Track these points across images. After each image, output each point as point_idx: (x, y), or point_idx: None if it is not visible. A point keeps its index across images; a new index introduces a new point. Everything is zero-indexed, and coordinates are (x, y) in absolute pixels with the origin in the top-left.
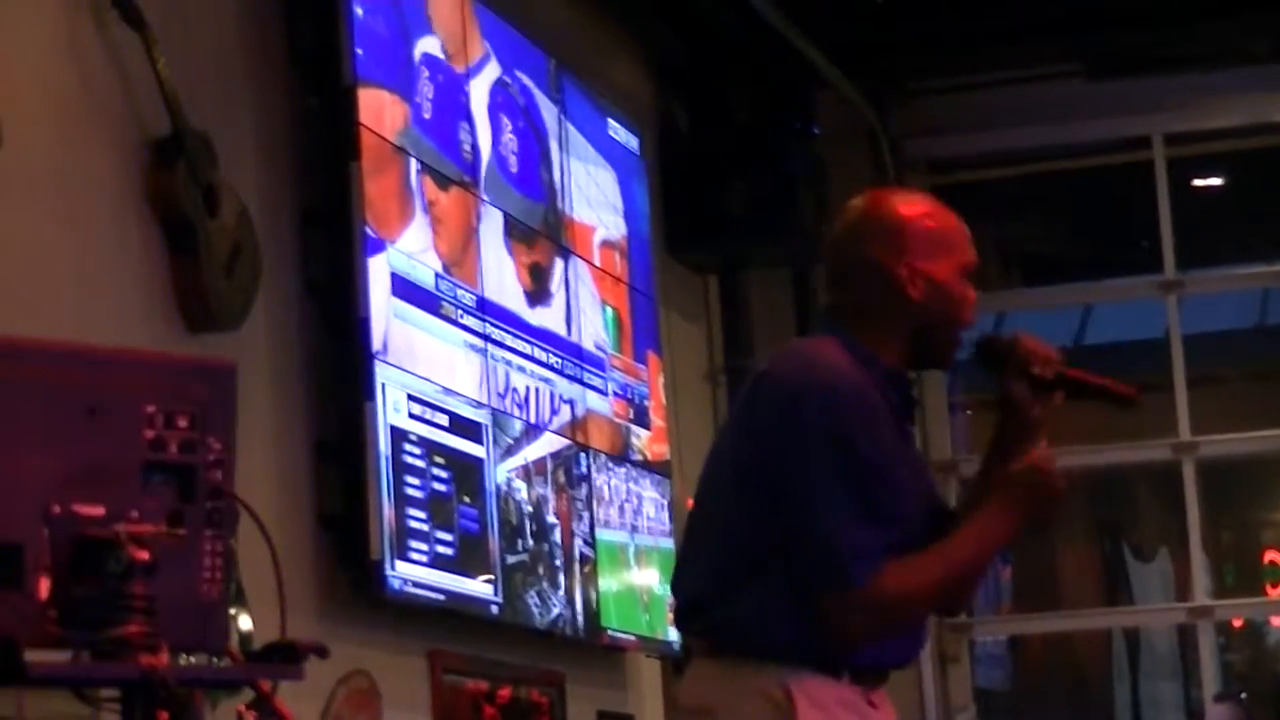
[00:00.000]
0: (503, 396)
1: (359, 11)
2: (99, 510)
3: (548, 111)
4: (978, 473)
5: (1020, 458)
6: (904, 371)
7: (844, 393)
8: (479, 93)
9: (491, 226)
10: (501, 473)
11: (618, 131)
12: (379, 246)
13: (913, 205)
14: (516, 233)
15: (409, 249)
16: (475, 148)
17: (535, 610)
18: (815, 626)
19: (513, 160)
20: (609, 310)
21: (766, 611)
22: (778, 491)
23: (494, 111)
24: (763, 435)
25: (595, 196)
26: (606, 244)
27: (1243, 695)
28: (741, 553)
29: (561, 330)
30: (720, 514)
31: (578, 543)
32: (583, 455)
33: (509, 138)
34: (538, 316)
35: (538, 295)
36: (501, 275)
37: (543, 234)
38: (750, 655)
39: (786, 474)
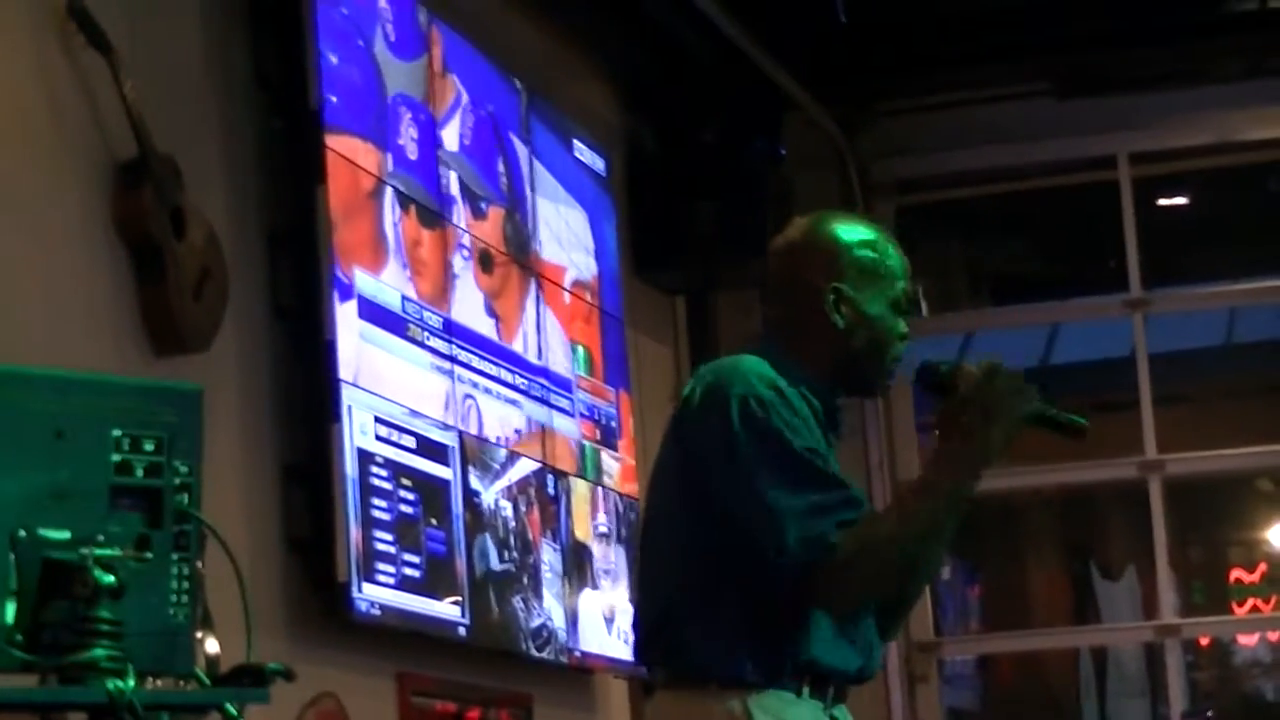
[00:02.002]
0: (468, 419)
1: (333, 60)
2: (65, 534)
3: (519, 151)
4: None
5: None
6: (827, 394)
7: (765, 393)
8: (453, 131)
9: (463, 257)
10: (472, 495)
11: (584, 153)
12: (347, 293)
13: (853, 232)
14: (486, 265)
15: (376, 264)
16: (446, 187)
17: (503, 632)
18: (774, 646)
19: (481, 180)
20: (580, 349)
21: (723, 637)
22: (726, 498)
23: (463, 134)
24: (701, 452)
25: (566, 237)
26: (578, 284)
27: (1210, 714)
28: (694, 579)
29: (531, 355)
30: (669, 541)
31: (545, 564)
32: (551, 476)
33: (468, 135)
34: (505, 340)
35: (507, 324)
36: (469, 301)
37: (514, 265)
38: (711, 681)
39: (726, 475)
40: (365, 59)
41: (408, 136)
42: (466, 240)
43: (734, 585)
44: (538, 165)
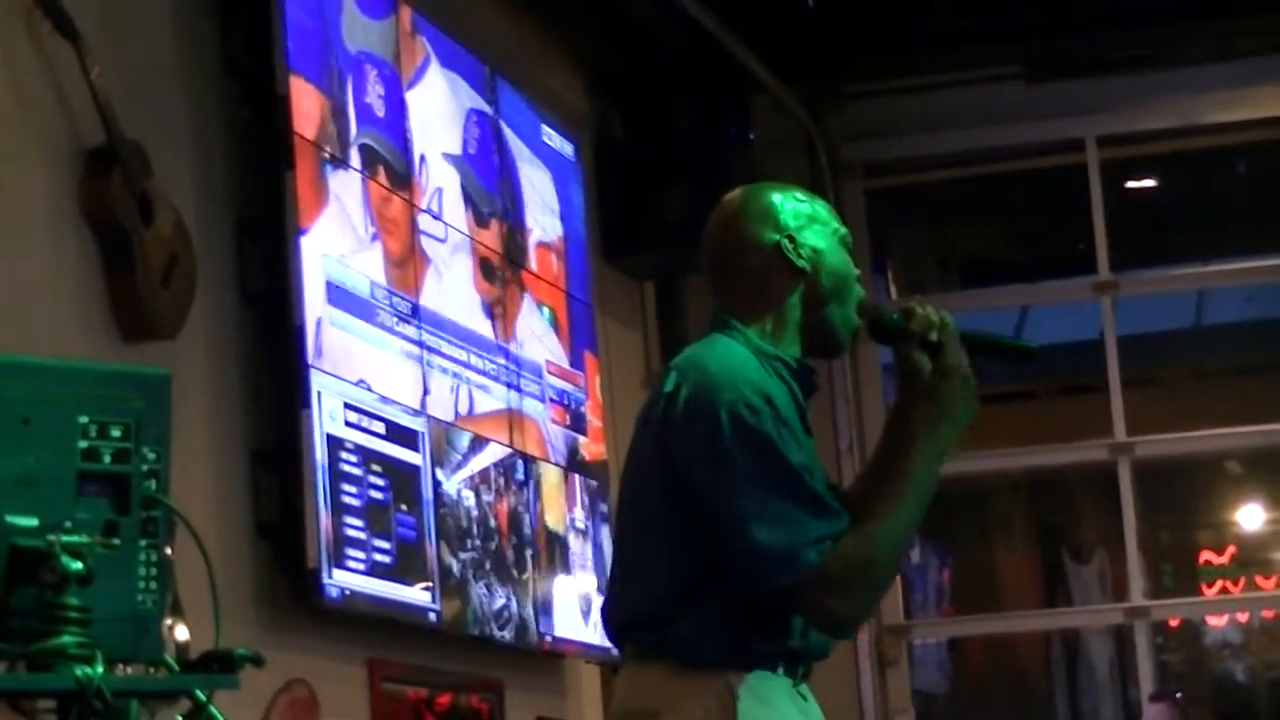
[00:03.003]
0: (437, 405)
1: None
2: (33, 521)
3: (486, 112)
4: (879, 443)
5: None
6: (804, 361)
7: (755, 400)
8: (423, 95)
9: (440, 237)
10: (442, 481)
11: (552, 138)
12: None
13: (779, 188)
14: (472, 246)
15: (344, 250)
16: (411, 150)
17: (474, 617)
18: (759, 635)
19: (469, 164)
20: (546, 310)
21: (709, 629)
22: (714, 512)
23: (442, 114)
24: (688, 460)
25: (532, 198)
26: (543, 245)
27: (1178, 694)
28: (679, 574)
29: (498, 336)
30: (653, 535)
31: (515, 550)
32: (521, 462)
33: (472, 144)
34: (476, 323)
35: (490, 302)
36: (447, 283)
37: (498, 250)
38: (694, 663)
39: (714, 483)
40: (331, 24)
41: (374, 94)
42: (450, 234)
43: (719, 580)
44: (504, 127)
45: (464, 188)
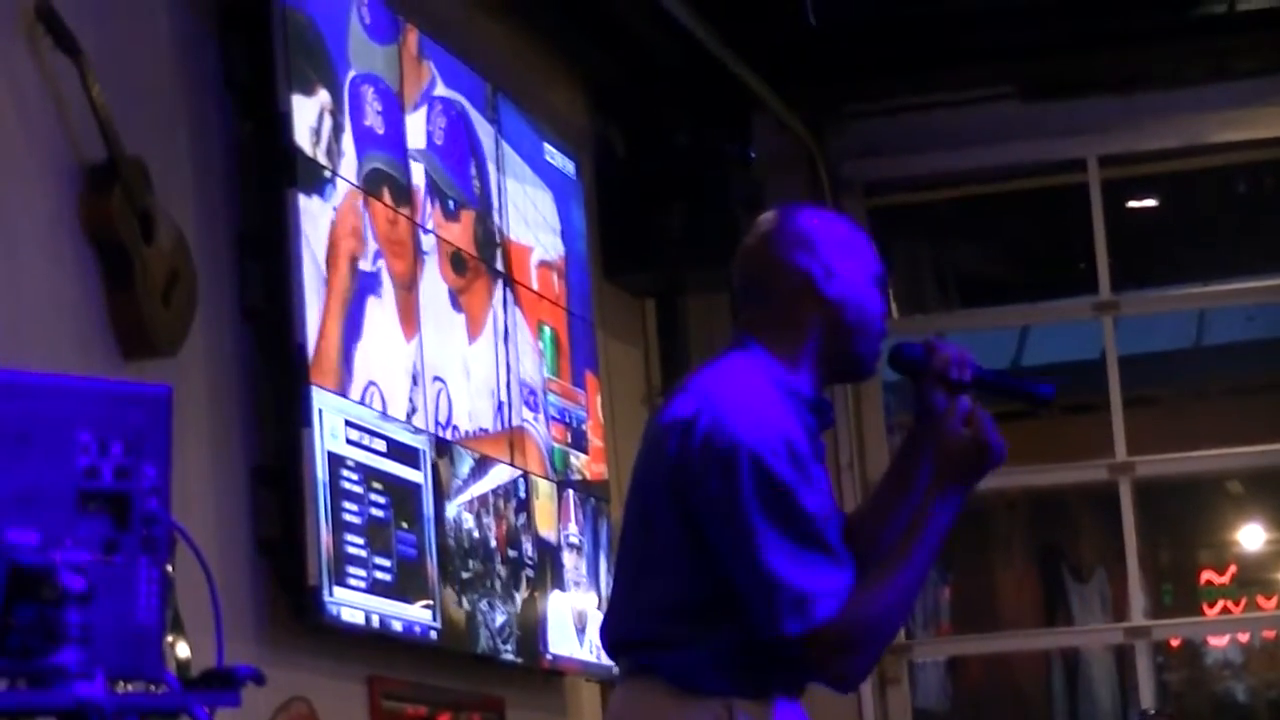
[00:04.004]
0: (443, 425)
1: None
2: (33, 538)
3: (484, 131)
4: (886, 473)
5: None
6: (822, 395)
7: (775, 435)
8: (419, 116)
9: (430, 250)
10: (443, 499)
11: (554, 156)
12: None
13: (822, 213)
14: (455, 259)
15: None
16: (409, 165)
17: (474, 635)
18: (764, 668)
19: (451, 179)
20: (547, 330)
21: (713, 657)
22: (728, 552)
23: (428, 118)
24: (705, 499)
25: (533, 217)
26: (544, 264)
27: (1170, 714)
28: (685, 598)
29: (498, 356)
30: (661, 557)
31: (515, 567)
32: (521, 480)
33: (438, 134)
34: (474, 340)
35: (468, 310)
36: (438, 300)
37: (479, 259)
38: (692, 688)
39: (729, 522)
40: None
41: (373, 114)
42: (432, 238)
43: (726, 610)
44: (505, 146)
45: (431, 179)
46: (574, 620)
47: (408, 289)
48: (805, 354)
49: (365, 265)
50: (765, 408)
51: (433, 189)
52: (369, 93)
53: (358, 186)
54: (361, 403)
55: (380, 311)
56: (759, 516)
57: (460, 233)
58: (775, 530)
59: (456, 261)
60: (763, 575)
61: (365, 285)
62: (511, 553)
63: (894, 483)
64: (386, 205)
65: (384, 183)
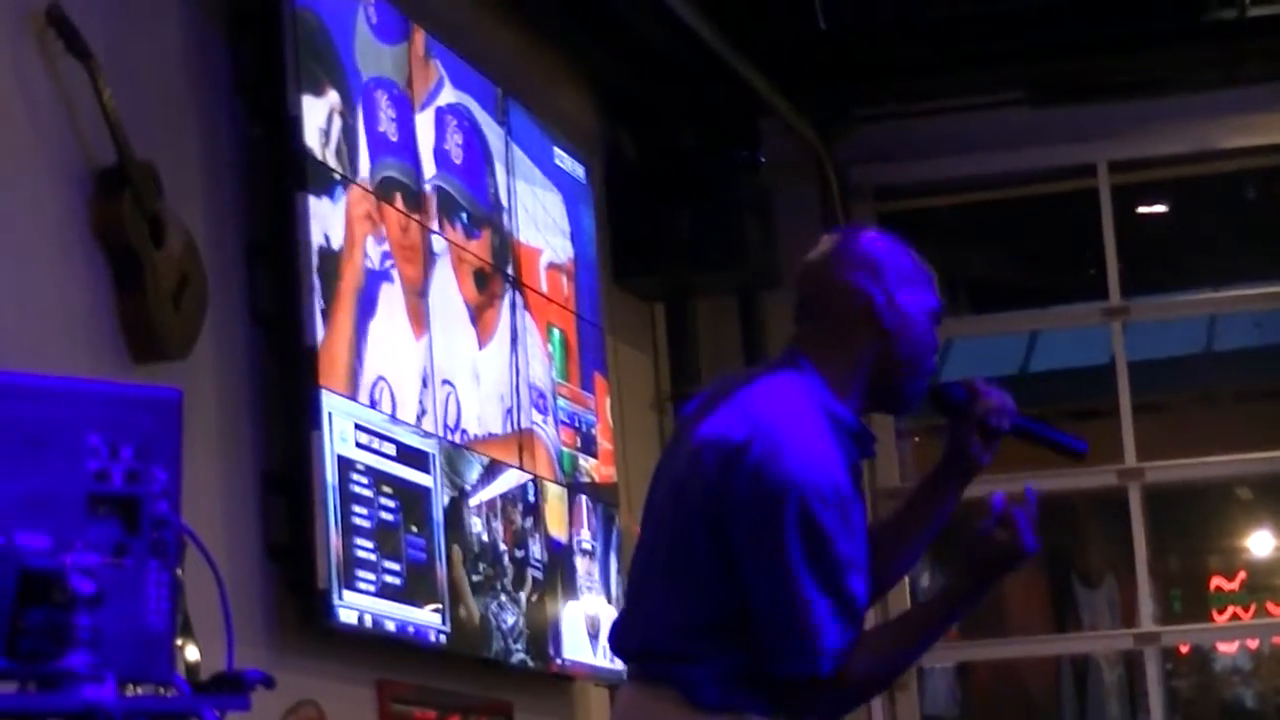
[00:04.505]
0: (451, 429)
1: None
2: (43, 542)
3: (493, 134)
4: (907, 502)
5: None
6: (865, 426)
7: (824, 485)
8: (428, 115)
9: (438, 252)
10: (452, 503)
11: (564, 160)
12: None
13: (891, 240)
14: (477, 276)
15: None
16: (420, 167)
17: (484, 639)
18: (772, 692)
19: (459, 183)
20: (556, 333)
21: (726, 676)
22: (760, 578)
23: (440, 127)
24: (746, 531)
25: (542, 219)
26: (553, 267)
27: None
28: (704, 617)
29: (507, 359)
30: (686, 572)
31: (525, 572)
32: (530, 484)
33: (455, 151)
34: (484, 344)
35: (481, 318)
36: (446, 301)
37: (490, 262)
38: (702, 704)
39: (765, 559)
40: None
41: (386, 120)
42: (443, 242)
43: (745, 638)
44: (514, 148)
45: (449, 195)
46: (586, 625)
47: (418, 293)
48: (855, 380)
49: (375, 267)
50: (816, 443)
51: (451, 206)
52: (381, 98)
53: (368, 189)
54: (371, 406)
55: (389, 315)
56: (797, 559)
57: (480, 249)
58: (809, 577)
59: (479, 278)
60: (785, 616)
61: (374, 288)
62: (520, 556)
63: (914, 515)
64: (398, 210)
65: (394, 187)
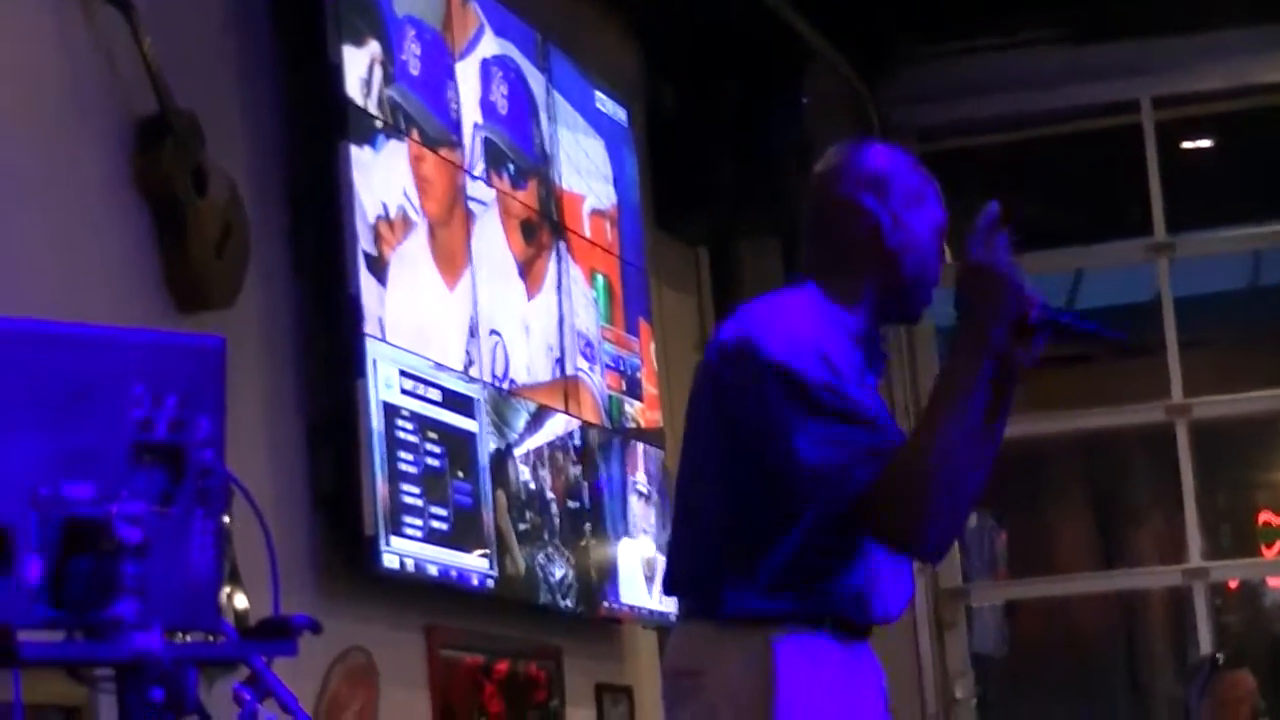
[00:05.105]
0: (499, 378)
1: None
2: (88, 491)
3: (535, 81)
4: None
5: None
6: (870, 329)
7: (809, 357)
8: (471, 63)
9: (485, 201)
10: (499, 448)
11: (605, 104)
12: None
13: (896, 155)
14: (525, 227)
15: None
16: (459, 114)
17: (531, 584)
18: (803, 596)
19: (506, 134)
20: (600, 278)
21: (752, 589)
22: (762, 445)
23: (485, 78)
24: (736, 395)
25: (584, 165)
26: (596, 212)
27: (1218, 656)
28: (727, 532)
29: (554, 308)
30: (705, 489)
31: (573, 516)
32: (577, 428)
33: (501, 103)
34: (533, 296)
35: (530, 269)
36: (493, 250)
37: (535, 209)
38: (734, 622)
39: (771, 431)
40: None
41: (410, 53)
42: (492, 192)
43: (765, 539)
44: (555, 95)
45: (496, 146)
46: (643, 568)
47: (455, 241)
48: (857, 293)
49: (414, 217)
50: (800, 328)
51: (499, 157)
52: (417, 44)
53: (409, 137)
54: (416, 353)
55: (429, 263)
56: (790, 413)
57: (528, 199)
58: (808, 420)
59: (527, 230)
60: (794, 451)
61: (416, 237)
62: (568, 501)
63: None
64: (443, 158)
65: (430, 133)
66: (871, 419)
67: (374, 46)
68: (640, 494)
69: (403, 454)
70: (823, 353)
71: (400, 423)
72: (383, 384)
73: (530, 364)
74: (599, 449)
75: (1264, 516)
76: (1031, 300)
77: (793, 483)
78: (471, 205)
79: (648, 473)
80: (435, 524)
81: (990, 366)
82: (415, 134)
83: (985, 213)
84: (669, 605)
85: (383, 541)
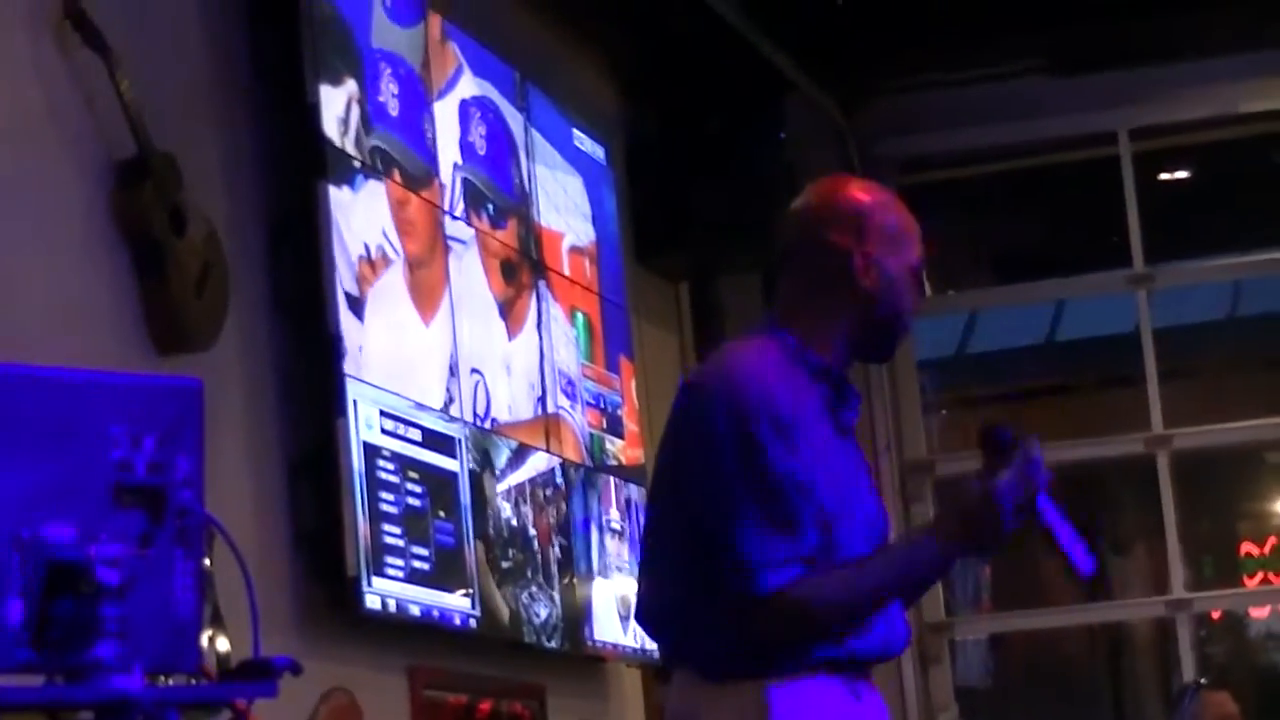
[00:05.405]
0: (481, 417)
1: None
2: (69, 533)
3: (514, 120)
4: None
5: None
6: (838, 367)
7: (756, 395)
8: (449, 103)
9: (464, 240)
10: (480, 487)
11: (584, 142)
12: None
13: (874, 194)
14: (505, 268)
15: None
16: (438, 154)
17: (514, 622)
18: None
19: (485, 174)
20: (580, 316)
21: (729, 638)
22: (693, 498)
23: (464, 119)
24: (681, 445)
25: (563, 203)
26: (576, 250)
27: (1201, 681)
28: (686, 580)
29: (536, 347)
30: (664, 534)
31: (555, 554)
32: (558, 467)
33: (480, 143)
34: (514, 336)
35: (511, 309)
36: (473, 289)
37: (515, 248)
38: (729, 676)
39: (699, 480)
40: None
41: (388, 93)
42: (471, 231)
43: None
44: (534, 133)
45: (475, 188)
46: (617, 606)
47: (438, 280)
48: (828, 333)
49: (393, 255)
50: (757, 369)
51: (478, 198)
52: (391, 79)
53: (384, 175)
54: (396, 393)
55: (407, 302)
56: (727, 470)
57: (507, 238)
58: (742, 489)
59: (507, 270)
60: (721, 532)
61: (393, 275)
62: (550, 539)
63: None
64: (423, 199)
65: (407, 170)
66: (792, 511)
67: (351, 85)
68: (614, 531)
69: (384, 494)
70: (770, 400)
71: (381, 463)
72: (363, 424)
73: (512, 403)
74: (579, 486)
75: (1246, 547)
76: (1040, 474)
77: (714, 560)
78: (451, 244)
79: (620, 509)
80: (417, 564)
81: (950, 565)
82: (395, 174)
83: (1032, 444)
84: (650, 642)
85: (365, 582)
